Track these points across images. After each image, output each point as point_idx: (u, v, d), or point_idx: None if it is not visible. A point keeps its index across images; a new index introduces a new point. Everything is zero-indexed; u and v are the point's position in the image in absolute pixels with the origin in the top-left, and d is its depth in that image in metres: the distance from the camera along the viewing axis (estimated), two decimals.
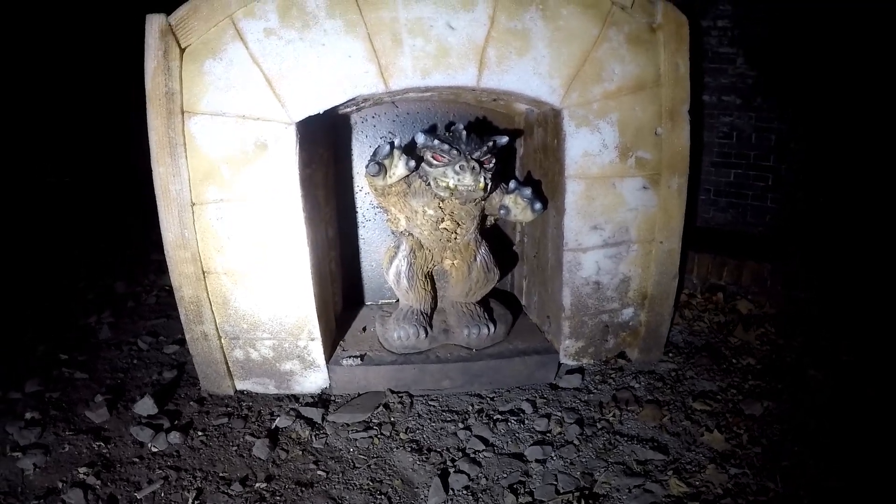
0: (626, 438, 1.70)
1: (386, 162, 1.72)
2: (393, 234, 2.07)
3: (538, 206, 1.82)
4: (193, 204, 1.70)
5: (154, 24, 1.57)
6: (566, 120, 1.79)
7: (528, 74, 1.73)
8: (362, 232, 2.33)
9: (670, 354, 2.16)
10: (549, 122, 1.93)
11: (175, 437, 1.67)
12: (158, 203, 1.69)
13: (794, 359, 2.10)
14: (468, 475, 1.57)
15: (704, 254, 2.59)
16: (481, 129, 2.15)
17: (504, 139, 1.79)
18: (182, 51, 1.61)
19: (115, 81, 3.59)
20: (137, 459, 1.61)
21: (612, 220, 1.89)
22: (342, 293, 2.29)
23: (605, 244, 1.91)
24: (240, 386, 1.93)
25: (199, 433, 1.72)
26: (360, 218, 2.31)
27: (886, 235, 2.56)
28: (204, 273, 1.76)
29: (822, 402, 1.84)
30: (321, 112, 1.67)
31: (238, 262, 1.77)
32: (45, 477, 1.53)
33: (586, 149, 1.81)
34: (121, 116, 3.22)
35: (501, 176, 1.90)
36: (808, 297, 2.41)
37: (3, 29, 3.58)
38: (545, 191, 2.00)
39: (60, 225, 3.54)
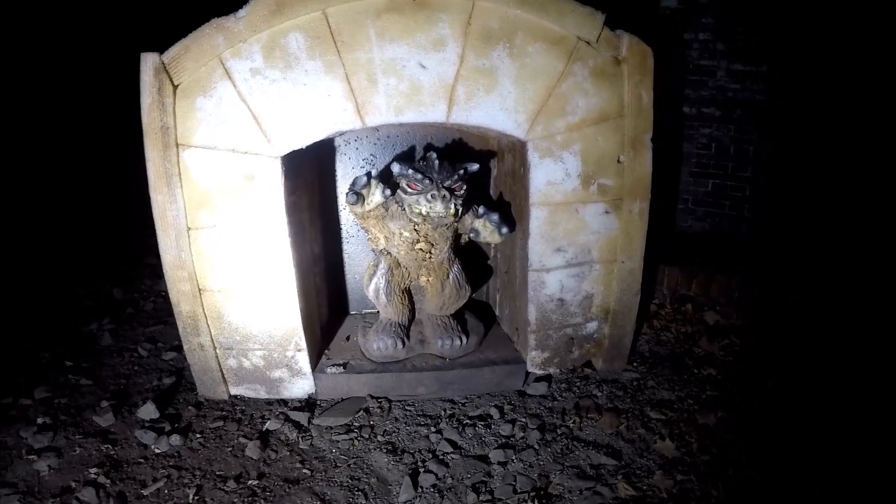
0: (582, 444, 1.87)
1: (363, 191, 1.88)
2: (373, 251, 2.23)
3: (505, 230, 1.97)
4: (189, 228, 1.86)
5: (148, 63, 1.71)
6: (530, 152, 1.92)
7: (494, 110, 1.87)
8: (346, 247, 2.50)
9: (635, 364, 2.32)
10: (516, 151, 2.07)
11: (176, 439, 1.86)
12: (157, 227, 1.85)
13: (754, 370, 2.25)
14: (436, 475, 1.74)
15: (674, 266, 2.73)
16: (457, 151, 2.29)
17: (474, 167, 1.94)
18: (175, 88, 1.75)
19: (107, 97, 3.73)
20: (142, 460, 1.80)
21: (575, 242, 2.03)
22: (328, 304, 2.46)
23: (569, 265, 2.05)
24: (234, 391, 2.11)
25: (198, 435, 1.91)
26: (343, 234, 2.48)
27: (860, 249, 2.67)
28: (200, 290, 1.93)
29: (775, 413, 1.98)
30: (304, 147, 1.82)
31: (231, 281, 1.94)
32: (60, 477, 1.71)
33: (549, 178, 1.95)
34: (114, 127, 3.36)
35: (476, 197, 2.05)
36: (775, 308, 2.54)
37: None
38: (514, 214, 2.15)
39: (57, 229, 3.67)
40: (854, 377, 2.14)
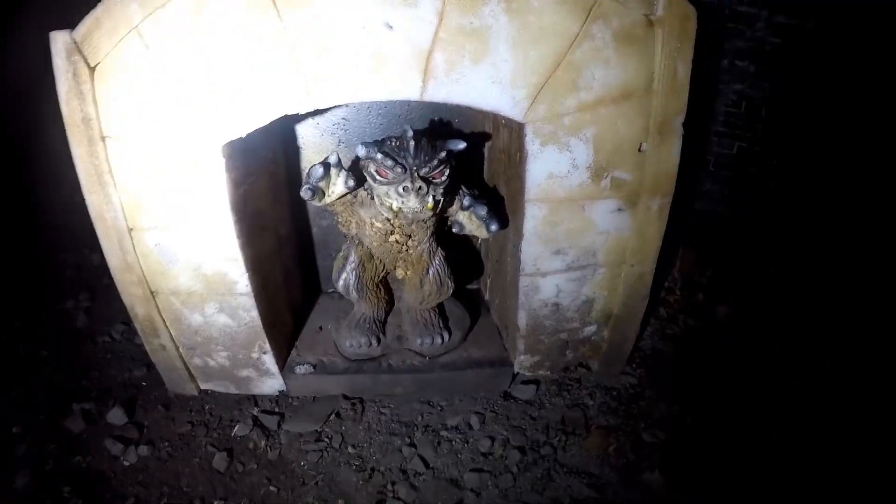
0: (565, 470, 1.73)
1: (322, 184, 1.56)
2: (344, 236, 1.94)
3: (494, 227, 1.67)
4: (131, 229, 1.62)
5: (59, 43, 1.36)
6: (530, 137, 1.55)
7: (484, 84, 1.47)
8: (317, 221, 2.23)
9: (634, 365, 2.13)
10: (513, 129, 1.68)
11: (144, 450, 1.78)
12: (97, 230, 1.62)
13: (760, 379, 2.05)
14: (404, 502, 1.63)
15: (691, 250, 2.43)
16: (441, 127, 1.91)
17: (460, 145, 1.60)
18: (92, 70, 1.40)
19: None
20: (112, 475, 1.71)
21: (578, 244, 1.73)
22: (300, 285, 2.24)
23: (569, 268, 1.77)
24: (203, 386, 2.00)
25: (166, 444, 1.81)
26: (312, 209, 2.21)
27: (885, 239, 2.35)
28: (153, 293, 1.74)
29: (777, 439, 1.80)
30: (244, 136, 1.46)
31: (182, 285, 1.72)
32: (37, 498, 1.62)
33: (552, 170, 1.60)
34: None
35: (464, 177, 1.72)
36: (792, 304, 2.29)
37: None
38: (507, 205, 1.82)
39: (36, 195, 3.38)
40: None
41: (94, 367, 2.15)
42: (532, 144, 1.56)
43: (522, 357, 1.96)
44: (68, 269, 2.75)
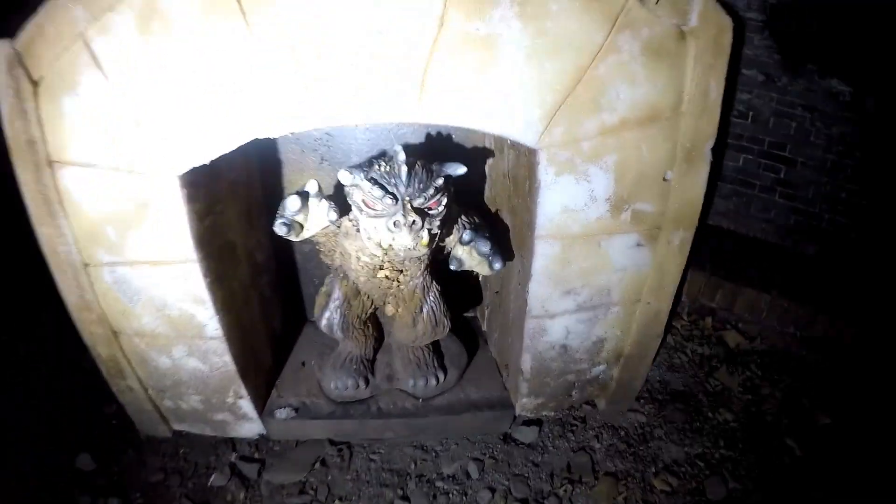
0: None
1: (299, 217, 1.33)
2: (328, 267, 1.72)
3: (498, 265, 1.47)
4: (86, 265, 1.40)
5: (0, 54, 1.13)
6: (543, 165, 1.35)
7: (491, 102, 1.25)
8: (300, 246, 1.98)
9: (641, 400, 1.98)
10: (521, 152, 1.47)
11: (114, 502, 1.60)
12: (50, 265, 1.41)
13: (772, 418, 1.92)
14: None
15: (699, 271, 2.27)
16: (435, 145, 1.69)
17: (460, 169, 1.40)
18: (35, 85, 1.18)
19: None
20: None
21: (591, 283, 1.54)
22: (281, 314, 2.02)
23: (579, 308, 1.59)
24: (177, 427, 1.81)
25: (137, 494, 1.64)
26: None
27: None
28: (115, 333, 1.53)
29: (792, 485, 1.69)
30: (208, 163, 1.22)
31: (146, 325, 1.51)
32: None
33: (567, 203, 1.40)
34: None
35: (463, 204, 1.52)
36: (801, 333, 2.16)
37: None
38: (513, 237, 1.62)
39: None
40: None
41: (65, 397, 1.93)
42: (546, 174, 1.35)
43: (525, 400, 1.79)
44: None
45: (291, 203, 1.31)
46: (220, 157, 1.26)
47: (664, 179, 1.43)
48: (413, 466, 1.74)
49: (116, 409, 1.84)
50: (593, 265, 1.51)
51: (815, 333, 2.17)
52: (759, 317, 2.23)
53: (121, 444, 1.77)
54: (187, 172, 1.26)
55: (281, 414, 1.77)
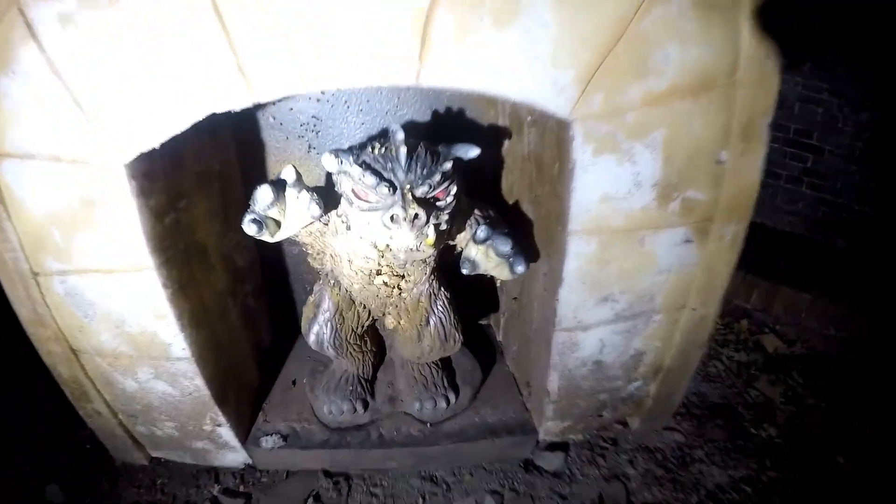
0: None
1: (273, 212, 1.07)
2: (318, 271, 1.47)
3: (521, 268, 1.21)
4: (36, 274, 1.15)
5: None
6: (578, 142, 1.10)
7: (513, 59, 1.00)
8: (289, 248, 1.72)
9: (678, 417, 1.75)
10: (547, 129, 1.23)
11: None
12: None
13: (820, 432, 1.70)
14: None
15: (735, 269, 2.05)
16: (441, 127, 1.44)
17: (472, 151, 1.15)
18: None
19: None
20: None
21: (633, 288, 1.30)
22: (269, 326, 1.77)
23: (617, 318, 1.35)
24: (154, 454, 1.58)
25: None
26: None
27: None
28: (74, 352, 1.28)
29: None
30: (158, 147, 0.97)
31: (105, 344, 1.25)
32: None
33: (607, 189, 1.16)
34: None
35: (476, 193, 1.27)
36: (846, 335, 1.96)
37: None
38: (537, 232, 1.37)
39: None
40: None
41: (41, 421, 1.69)
42: (582, 153, 1.11)
43: (550, 423, 1.54)
44: None
45: (263, 195, 1.04)
46: (183, 142, 1.00)
47: (717, 162, 1.20)
48: (421, 502, 1.49)
49: (90, 433, 1.59)
50: (635, 266, 1.26)
51: (856, 334, 1.98)
52: (798, 318, 2.03)
53: (94, 473, 1.55)
54: (135, 160, 0.99)
55: (267, 443, 1.51)
